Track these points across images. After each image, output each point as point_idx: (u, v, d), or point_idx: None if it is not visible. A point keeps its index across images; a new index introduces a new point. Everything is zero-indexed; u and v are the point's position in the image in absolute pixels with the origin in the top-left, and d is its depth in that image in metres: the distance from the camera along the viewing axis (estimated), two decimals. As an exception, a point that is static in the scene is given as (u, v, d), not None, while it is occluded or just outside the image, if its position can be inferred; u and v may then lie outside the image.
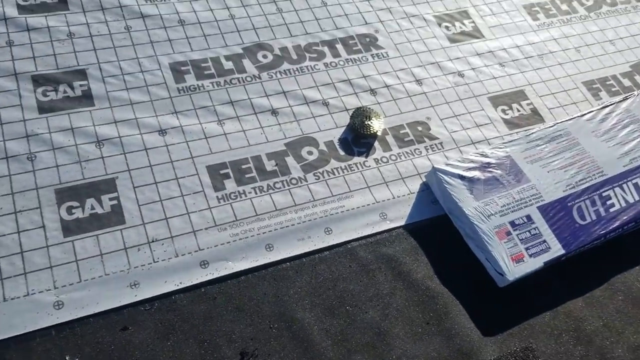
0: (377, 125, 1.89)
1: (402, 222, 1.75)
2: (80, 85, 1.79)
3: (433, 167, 1.80)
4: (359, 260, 1.65)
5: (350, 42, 2.13)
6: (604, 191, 1.77)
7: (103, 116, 1.74)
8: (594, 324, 1.63)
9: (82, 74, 1.82)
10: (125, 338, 1.40)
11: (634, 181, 1.79)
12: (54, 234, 1.51)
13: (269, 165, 1.77)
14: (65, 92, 1.77)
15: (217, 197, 1.68)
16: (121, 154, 1.68)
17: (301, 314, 1.53)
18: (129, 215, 1.58)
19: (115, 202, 1.59)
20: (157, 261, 1.53)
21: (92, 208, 1.57)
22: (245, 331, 1.47)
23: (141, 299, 1.46)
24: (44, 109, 1.72)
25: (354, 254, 1.66)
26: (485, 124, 2.01)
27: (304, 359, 1.45)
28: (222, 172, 1.73)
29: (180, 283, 1.51)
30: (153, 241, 1.55)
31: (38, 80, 1.77)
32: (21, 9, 1.92)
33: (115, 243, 1.53)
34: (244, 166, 1.75)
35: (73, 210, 1.55)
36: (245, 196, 1.69)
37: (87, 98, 1.77)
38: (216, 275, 1.54)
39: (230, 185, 1.71)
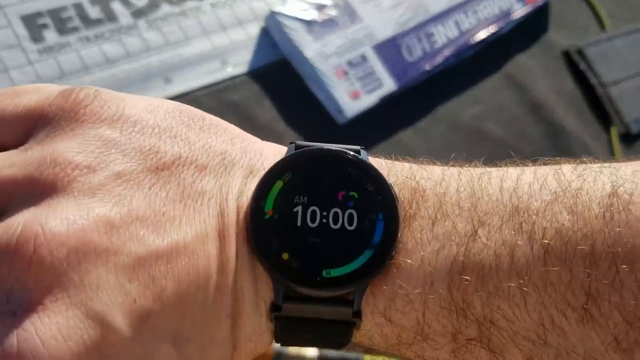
0: (209, -33, 1.79)
1: (244, 69, 1.73)
2: None
3: (271, 10, 1.77)
4: (204, 109, 1.61)
5: None
6: (428, 29, 1.90)
7: None
8: (421, 150, 1.83)
9: None
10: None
11: (453, 18, 1.94)
12: None
13: (94, 13, 1.61)
14: None
15: (37, 50, 1.51)
16: None
17: (148, 165, 1.50)
18: None
19: None
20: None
21: None
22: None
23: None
24: None
25: (199, 103, 1.63)
26: (320, -33, 1.99)
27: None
28: (39, 22, 1.54)
29: (9, 145, 1.39)
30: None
31: None
32: None
33: None
34: (64, 14, 1.58)
35: None
36: (70, 47, 1.55)
37: None
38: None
39: (51, 36, 1.54)
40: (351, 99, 1.73)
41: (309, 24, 1.78)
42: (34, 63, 1.50)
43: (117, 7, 1.63)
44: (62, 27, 1.56)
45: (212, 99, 1.65)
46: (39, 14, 1.55)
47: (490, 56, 2.05)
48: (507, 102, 2.00)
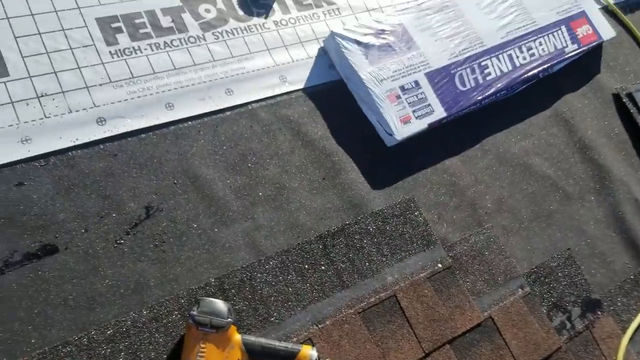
0: (276, -14, 1.86)
1: (301, 86, 1.79)
2: None
3: (332, 31, 1.82)
4: (259, 121, 1.69)
5: None
6: (482, 61, 1.93)
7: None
8: (467, 179, 1.85)
9: None
10: (22, 193, 1.35)
11: (508, 52, 1.97)
12: None
13: (165, 22, 1.69)
14: None
15: (109, 52, 1.59)
16: (-4, -1, 1.51)
17: (204, 170, 1.56)
18: (13, 67, 1.45)
19: (-6, 52, 1.45)
20: (49, 117, 1.45)
21: (-32, 58, 1.42)
22: (149, 187, 1.48)
23: (35, 155, 1.40)
24: None
25: (255, 115, 1.69)
26: (380, -7, 2.05)
27: (208, 212, 1.51)
28: (113, 25, 1.62)
29: (77, 139, 1.46)
30: (42, 96, 1.46)
31: None
32: None
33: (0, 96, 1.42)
34: (137, 21, 1.66)
35: (-56, 60, 1.40)
36: (141, 52, 1.62)
37: None
38: (115, 132, 1.50)
39: (123, 40, 1.62)
40: (402, 123, 1.76)
41: (366, 47, 1.82)
42: (106, 63, 1.57)
43: (187, 18, 1.71)
44: (135, 32, 1.64)
45: (268, 112, 1.70)
46: (114, 18, 1.63)
47: (541, 92, 2.06)
48: (555, 140, 2.01)
